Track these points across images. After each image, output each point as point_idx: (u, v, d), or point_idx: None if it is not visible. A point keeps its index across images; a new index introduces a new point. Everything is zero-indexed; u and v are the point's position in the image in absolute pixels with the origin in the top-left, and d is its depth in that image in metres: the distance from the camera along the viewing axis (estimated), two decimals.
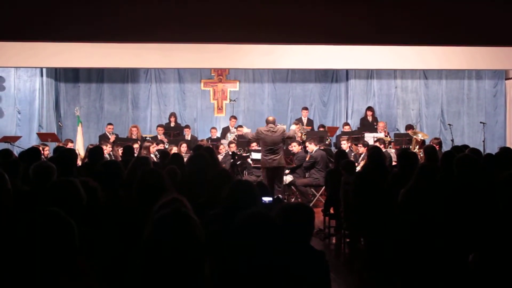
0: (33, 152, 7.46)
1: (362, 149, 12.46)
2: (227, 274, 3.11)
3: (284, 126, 11.85)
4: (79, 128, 14.78)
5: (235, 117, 15.79)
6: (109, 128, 14.78)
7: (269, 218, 3.27)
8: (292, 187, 12.50)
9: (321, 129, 15.27)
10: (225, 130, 15.55)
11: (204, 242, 2.80)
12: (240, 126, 15.06)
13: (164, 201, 3.50)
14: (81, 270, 2.92)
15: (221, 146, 13.47)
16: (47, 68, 15.51)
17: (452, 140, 14.46)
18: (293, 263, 3.30)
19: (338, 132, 15.40)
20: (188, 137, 14.84)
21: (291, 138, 11.89)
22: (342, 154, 9.56)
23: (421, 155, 10.77)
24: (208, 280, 2.84)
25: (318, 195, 12.31)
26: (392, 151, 12.74)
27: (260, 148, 11.62)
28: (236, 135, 14.58)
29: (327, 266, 3.54)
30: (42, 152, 10.96)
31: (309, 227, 3.61)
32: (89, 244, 3.41)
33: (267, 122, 11.36)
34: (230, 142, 13.61)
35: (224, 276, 3.08)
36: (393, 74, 16.73)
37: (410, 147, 13.13)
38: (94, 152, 7.90)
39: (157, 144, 12.36)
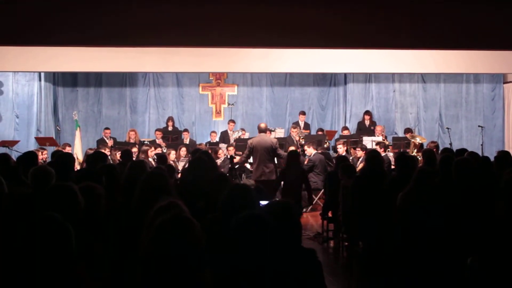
0: (30, 156, 7.45)
1: (360, 153, 12.46)
2: (225, 277, 3.10)
3: (275, 139, 11.28)
4: (77, 132, 14.78)
5: (233, 121, 15.78)
6: (107, 133, 14.77)
7: (266, 219, 3.26)
8: None
9: (320, 133, 15.27)
10: (224, 134, 15.55)
11: (205, 246, 2.79)
12: (243, 129, 15.14)
13: (161, 205, 3.48)
14: (79, 275, 2.91)
15: (220, 151, 13.46)
16: (45, 73, 15.51)
17: (451, 144, 14.46)
18: (285, 262, 3.28)
19: (336, 136, 15.40)
20: (186, 141, 14.83)
21: (280, 156, 11.07)
22: (343, 159, 9.54)
23: (420, 158, 10.78)
24: (209, 285, 2.83)
25: (316, 198, 12.29)
26: (390, 155, 12.74)
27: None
28: (235, 139, 14.58)
29: (319, 264, 3.52)
30: (40, 156, 10.96)
31: (296, 223, 3.61)
32: (88, 250, 3.40)
33: (259, 129, 10.85)
34: (229, 146, 13.61)
35: (221, 278, 3.07)
36: (391, 78, 16.75)
37: (408, 150, 13.12)
38: (95, 157, 7.77)
39: (155, 148, 12.34)
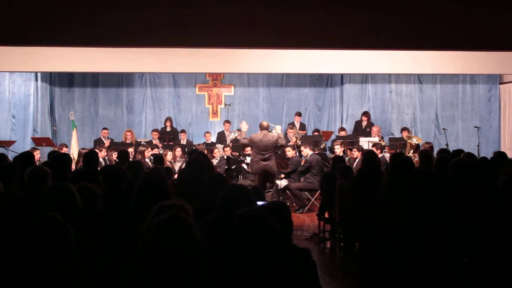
0: (27, 156, 7.44)
1: (356, 154, 12.46)
2: (224, 278, 3.11)
3: (277, 134, 11.66)
4: (74, 133, 14.76)
5: (229, 122, 15.83)
6: (105, 133, 14.76)
7: (268, 215, 3.28)
8: (287, 191, 12.51)
9: (316, 133, 15.29)
10: (220, 135, 15.56)
11: (203, 247, 2.80)
12: (239, 130, 15.17)
13: (164, 204, 3.48)
14: (78, 274, 2.92)
15: (216, 151, 13.47)
16: (42, 73, 15.50)
17: (447, 145, 14.49)
18: (280, 260, 3.28)
19: (333, 137, 15.42)
20: (183, 142, 14.84)
21: (283, 147, 12.01)
22: (339, 160, 9.54)
23: (416, 159, 10.79)
24: (209, 285, 2.83)
25: (313, 199, 12.32)
26: (387, 156, 12.76)
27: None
28: (231, 140, 14.61)
29: (314, 263, 3.53)
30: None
31: (289, 222, 3.65)
32: (87, 250, 3.41)
33: (261, 127, 11.33)
34: (225, 146, 13.63)
35: (221, 277, 3.08)
36: (387, 78, 16.77)
37: (404, 151, 13.14)
38: (89, 157, 7.81)
39: (152, 149, 12.34)
